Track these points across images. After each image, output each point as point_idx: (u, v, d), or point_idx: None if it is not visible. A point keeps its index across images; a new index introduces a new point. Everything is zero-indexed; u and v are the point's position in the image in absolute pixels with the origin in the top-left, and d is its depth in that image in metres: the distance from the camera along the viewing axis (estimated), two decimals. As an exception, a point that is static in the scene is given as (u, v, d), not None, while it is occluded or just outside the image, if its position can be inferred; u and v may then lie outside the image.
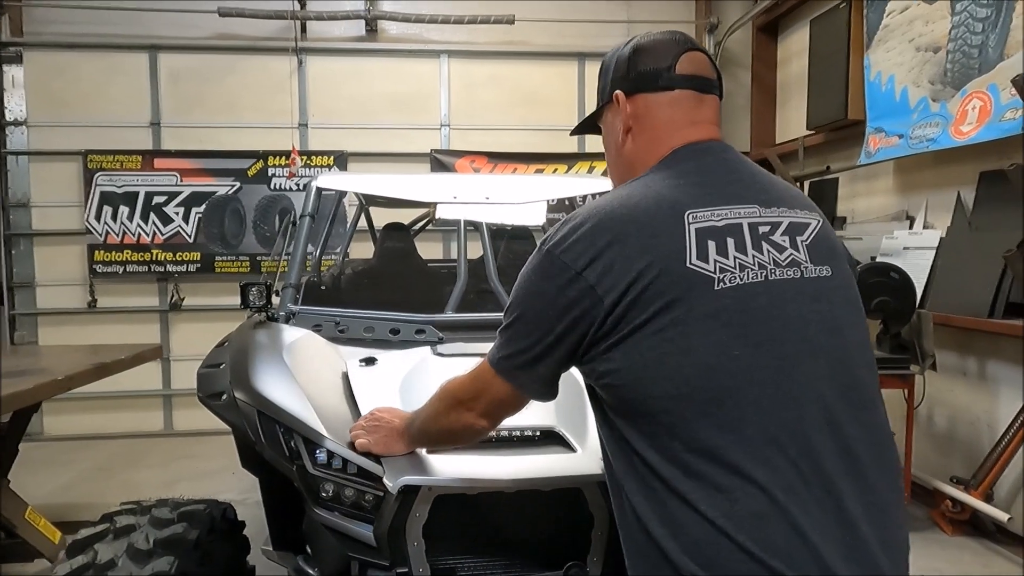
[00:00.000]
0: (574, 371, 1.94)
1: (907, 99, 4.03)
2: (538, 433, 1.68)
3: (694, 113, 1.10)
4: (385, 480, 1.52)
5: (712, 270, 0.95)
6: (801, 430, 0.91)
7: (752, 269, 0.96)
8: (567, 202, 5.67)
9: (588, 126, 1.29)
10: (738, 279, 0.95)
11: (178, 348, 5.75)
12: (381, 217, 4.32)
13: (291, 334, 2.08)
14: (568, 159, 5.99)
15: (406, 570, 1.55)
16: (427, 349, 2.04)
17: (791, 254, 1.00)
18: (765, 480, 0.88)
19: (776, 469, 0.89)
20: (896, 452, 1.02)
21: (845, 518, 0.90)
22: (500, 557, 1.63)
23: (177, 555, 1.65)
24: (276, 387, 1.74)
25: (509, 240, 3.44)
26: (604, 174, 5.93)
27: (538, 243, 1.07)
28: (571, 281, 0.97)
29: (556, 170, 5.93)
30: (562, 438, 1.66)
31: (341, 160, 5.74)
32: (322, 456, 1.62)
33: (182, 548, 1.68)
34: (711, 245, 0.96)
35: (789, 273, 0.98)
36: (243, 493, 4.43)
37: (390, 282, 3.11)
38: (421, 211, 4.11)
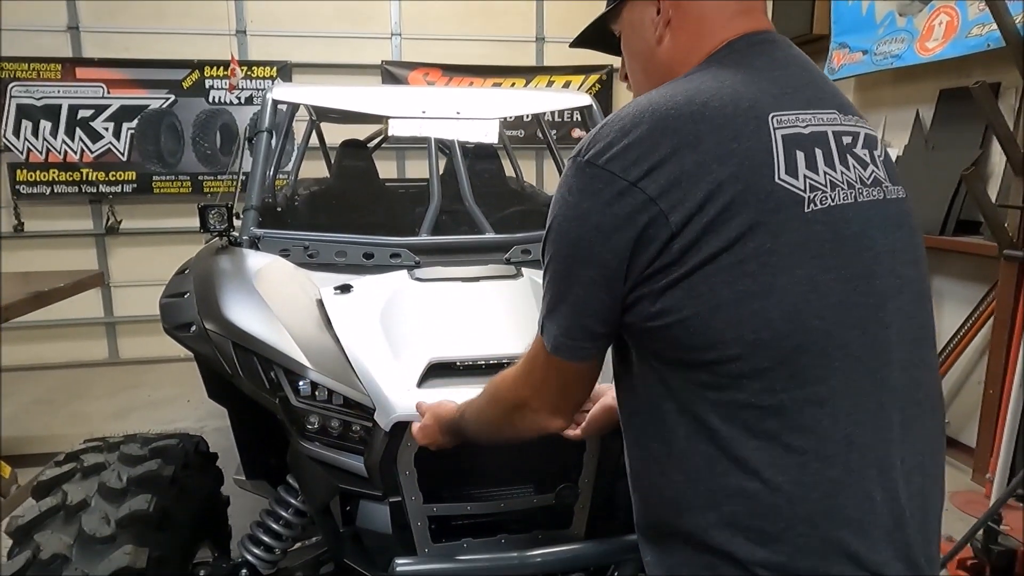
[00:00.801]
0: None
1: (874, 14, 3.97)
2: (527, 359, 1.65)
3: None
4: (376, 418, 1.47)
5: (802, 187, 0.77)
6: (883, 378, 0.80)
7: (842, 188, 0.80)
8: (526, 118, 5.49)
9: (593, 36, 1.04)
10: (829, 199, 0.78)
11: (119, 274, 5.46)
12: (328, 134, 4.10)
13: (258, 260, 1.96)
14: (526, 72, 5.77)
15: (399, 499, 1.53)
16: (404, 274, 1.96)
17: (873, 171, 0.85)
18: (844, 439, 0.76)
19: (857, 424, 0.77)
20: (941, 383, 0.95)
21: (904, 469, 0.81)
22: (492, 483, 1.62)
23: (154, 492, 1.58)
24: (250, 316, 1.64)
25: (473, 159, 3.30)
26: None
27: (568, 158, 0.85)
28: (621, 194, 0.76)
29: (514, 84, 5.72)
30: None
31: (285, 71, 5.37)
32: (306, 388, 1.55)
33: (158, 485, 1.60)
34: (799, 157, 0.78)
35: (874, 194, 0.84)
36: (200, 421, 4.34)
37: (351, 204, 2.96)
38: (373, 127, 3.91)
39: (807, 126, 0.81)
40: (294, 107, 2.95)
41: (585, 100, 2.61)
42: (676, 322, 0.77)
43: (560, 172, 3.52)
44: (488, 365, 1.63)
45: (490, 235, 2.21)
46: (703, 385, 0.78)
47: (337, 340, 1.66)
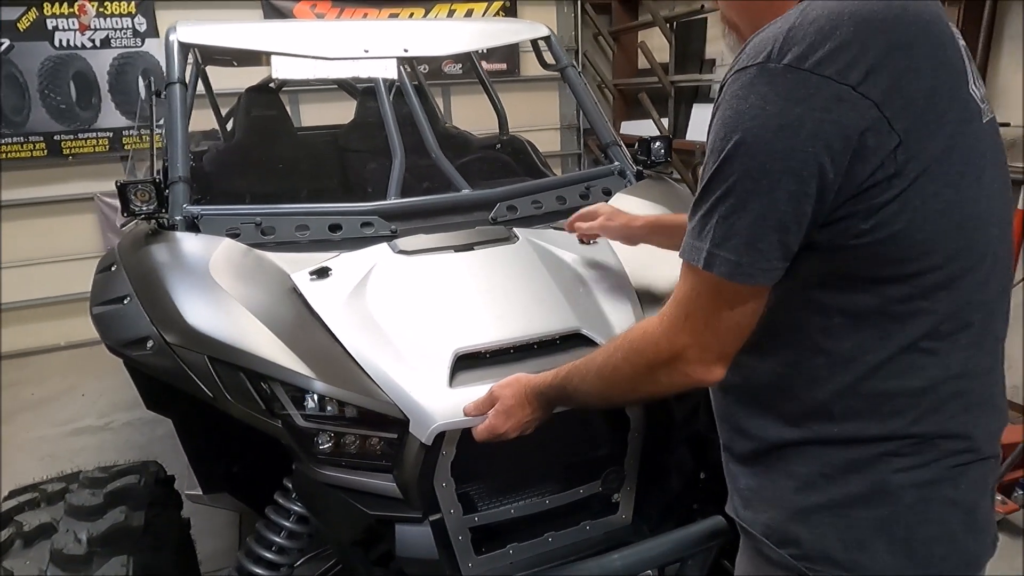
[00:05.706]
0: (563, 253, 1.70)
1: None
2: (558, 339, 1.45)
3: None
4: (412, 431, 1.23)
5: (979, 98, 0.79)
6: (996, 284, 0.84)
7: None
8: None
9: None
10: (987, 114, 0.80)
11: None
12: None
13: (206, 245, 1.59)
14: (425, 1, 5.30)
15: (439, 516, 1.32)
16: (384, 247, 1.67)
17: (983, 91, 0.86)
18: (993, 334, 0.84)
19: (991, 316, 0.83)
20: None
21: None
22: (536, 477, 1.45)
23: (128, 550, 1.27)
24: (224, 321, 1.33)
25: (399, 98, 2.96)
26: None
27: (747, 66, 0.74)
28: (840, 100, 0.70)
29: (412, 14, 5.25)
30: (588, 339, 1.45)
31: (146, 7, 4.61)
32: (312, 403, 1.28)
33: (130, 541, 1.29)
34: (971, 67, 0.79)
35: (988, 113, 0.84)
36: (103, 416, 3.85)
37: (276, 164, 2.56)
38: (265, 70, 3.41)
39: (957, 37, 0.81)
40: (187, 50, 2.47)
41: (541, 30, 2.34)
42: (887, 237, 0.74)
43: (497, 110, 3.29)
44: (517, 349, 1.42)
45: (466, 192, 1.95)
46: (888, 300, 0.78)
47: (333, 338, 1.38)
